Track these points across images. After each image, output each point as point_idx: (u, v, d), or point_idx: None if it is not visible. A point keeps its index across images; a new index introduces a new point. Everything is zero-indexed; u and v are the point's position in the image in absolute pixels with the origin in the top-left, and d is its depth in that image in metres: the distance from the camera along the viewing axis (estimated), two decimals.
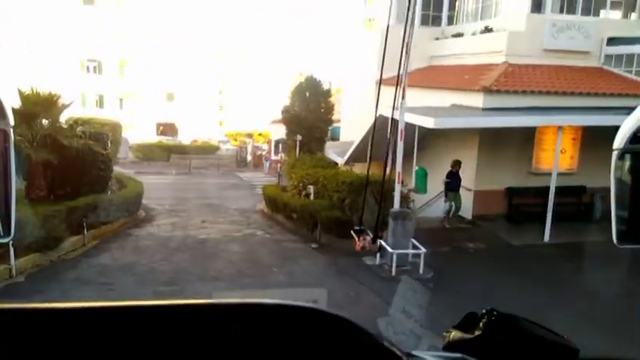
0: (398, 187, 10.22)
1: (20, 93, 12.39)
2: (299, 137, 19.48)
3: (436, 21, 18.77)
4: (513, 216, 12.95)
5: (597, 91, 12.99)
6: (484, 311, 1.02)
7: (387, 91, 10.11)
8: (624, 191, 1.19)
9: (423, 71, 16.27)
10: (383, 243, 10.05)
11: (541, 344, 0.98)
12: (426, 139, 13.27)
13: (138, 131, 35.15)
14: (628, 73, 14.49)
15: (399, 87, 9.34)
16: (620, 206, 1.19)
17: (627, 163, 1.16)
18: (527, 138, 13.14)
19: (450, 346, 1.01)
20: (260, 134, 38.09)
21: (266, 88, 44.76)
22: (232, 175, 29.09)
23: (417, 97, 12.46)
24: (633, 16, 16.65)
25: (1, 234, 1.07)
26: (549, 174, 11.80)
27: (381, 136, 10.94)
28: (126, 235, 12.84)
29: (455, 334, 1.03)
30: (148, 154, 32.38)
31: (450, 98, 13.83)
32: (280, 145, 26.91)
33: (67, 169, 12.28)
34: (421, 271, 9.57)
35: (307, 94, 20.80)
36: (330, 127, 22.48)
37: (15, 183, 1.09)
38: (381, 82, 9.86)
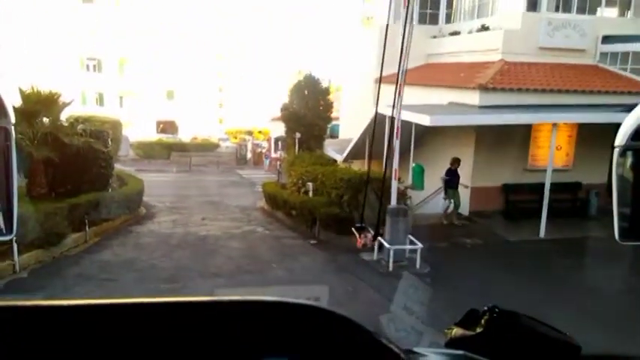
0: (395, 184, 10.35)
1: (21, 91, 12.48)
2: (298, 135, 19.58)
3: (433, 19, 18.90)
4: (510, 212, 13.10)
5: (592, 88, 13.13)
6: (486, 308, 1.02)
7: (385, 89, 10.25)
8: (626, 188, 1.17)
9: (420, 69, 16.39)
10: (382, 240, 10.17)
11: (543, 341, 0.99)
12: (423, 137, 13.41)
13: (138, 129, 35.24)
14: (623, 71, 14.63)
15: (392, 85, 9.45)
16: (621, 203, 1.18)
17: (629, 160, 1.14)
18: (523, 135, 13.29)
19: (452, 343, 1.02)
20: (260, 132, 38.19)
21: (266, 85, 44.84)
22: (232, 172, 29.18)
23: (414, 95, 12.59)
24: (629, 14, 16.77)
25: (4, 232, 1.07)
26: (545, 171, 11.94)
27: (379, 134, 11.09)
28: (127, 232, 12.95)
29: (457, 331, 1.03)
30: (149, 151, 32.47)
31: (448, 96, 13.98)
32: (280, 143, 27.02)
33: (68, 167, 12.38)
34: (418, 266, 9.72)
35: (306, 91, 20.91)
36: (329, 125, 22.59)
37: (16, 181, 1.09)
38: (381, 80, 9.99)
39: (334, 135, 23.80)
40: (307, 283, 9.29)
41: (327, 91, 21.94)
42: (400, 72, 9.70)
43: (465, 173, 12.96)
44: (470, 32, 16.34)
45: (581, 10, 15.62)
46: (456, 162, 12.78)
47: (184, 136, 39.88)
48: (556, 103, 12.69)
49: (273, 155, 29.33)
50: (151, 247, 11.63)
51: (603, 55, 14.83)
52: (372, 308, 7.71)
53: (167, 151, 33.22)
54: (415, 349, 0.95)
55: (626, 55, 14.97)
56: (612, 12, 17.28)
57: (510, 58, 13.92)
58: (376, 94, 17.48)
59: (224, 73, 48.68)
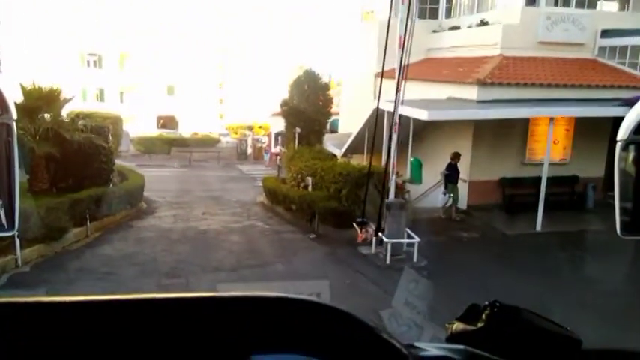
0: (393, 178, 10.44)
1: (22, 87, 12.58)
2: (298, 130, 19.62)
3: (433, 14, 18.93)
4: (507, 206, 13.17)
5: (590, 83, 13.18)
6: (487, 303, 1.01)
7: (386, 84, 10.29)
8: (628, 182, 1.17)
9: (420, 64, 16.44)
10: (381, 235, 10.20)
11: (544, 335, 0.99)
12: (422, 131, 13.48)
13: (139, 124, 35.30)
14: (621, 65, 14.67)
15: (392, 79, 9.51)
16: (623, 197, 1.17)
17: (631, 155, 1.14)
18: (520, 129, 13.37)
19: (453, 338, 1.02)
20: (260, 127, 38.19)
21: (266, 81, 44.83)
22: (232, 167, 29.28)
23: (414, 89, 12.64)
24: (629, 8, 16.78)
25: (6, 227, 1.08)
26: (542, 164, 12.03)
27: (378, 129, 11.15)
28: (128, 226, 13.06)
29: (457, 326, 1.03)
30: (149, 147, 32.51)
31: (447, 91, 14.03)
32: (280, 138, 27.07)
33: (70, 163, 12.50)
34: (415, 259, 9.83)
35: (306, 87, 20.95)
36: (329, 120, 22.63)
37: (18, 176, 1.10)
38: (382, 75, 10.03)
39: (334, 130, 23.84)
40: (306, 275, 9.40)
41: (326, 86, 21.99)
42: (398, 67, 9.79)
43: (462, 167, 13.05)
44: (469, 27, 16.38)
45: (580, 4, 15.65)
46: (456, 157, 12.84)
47: (185, 131, 39.92)
48: (554, 97, 12.74)
49: (273, 150, 29.42)
50: (152, 241, 11.74)
51: (602, 49, 14.86)
52: (370, 300, 7.85)
53: (168, 146, 33.29)
54: (416, 344, 0.95)
55: (624, 49, 15.01)
56: (612, 6, 17.29)
57: (509, 53, 13.96)
58: (375, 89, 17.61)
59: (224, 68, 48.66)
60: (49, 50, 36.21)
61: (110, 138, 15.09)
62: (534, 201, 11.90)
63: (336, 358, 0.83)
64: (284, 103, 21.22)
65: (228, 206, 16.37)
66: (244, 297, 0.85)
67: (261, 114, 37.88)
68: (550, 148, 12.18)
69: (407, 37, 8.47)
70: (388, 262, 9.80)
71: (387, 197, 10.50)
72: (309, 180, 14.04)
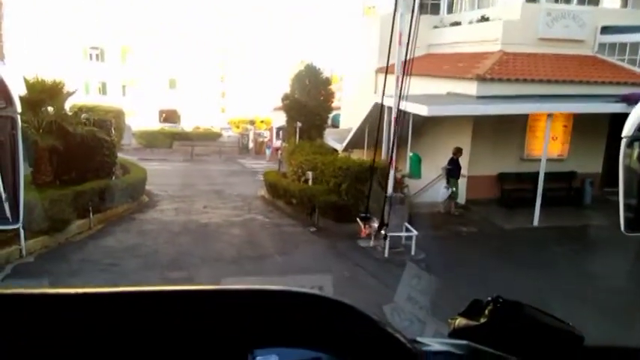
0: (392, 173, 10.55)
1: (26, 81, 12.67)
2: (299, 124, 19.73)
3: (435, 9, 18.98)
4: (505, 201, 13.29)
5: (589, 79, 13.26)
6: (489, 298, 1.01)
7: (387, 79, 10.34)
8: (632, 179, 1.15)
9: (421, 59, 16.45)
10: (385, 231, 10.24)
11: (546, 331, 0.99)
12: (422, 127, 13.57)
13: (140, 118, 35.38)
14: (621, 62, 14.73)
15: (402, 75, 9.45)
16: (628, 194, 1.15)
17: (636, 151, 1.12)
18: (519, 125, 13.46)
19: (456, 333, 1.02)
20: (262, 121, 38.26)
21: (268, 75, 44.85)
22: (234, 161, 29.37)
23: (414, 85, 12.67)
24: (629, 5, 16.80)
25: (10, 220, 1.09)
26: (540, 160, 12.13)
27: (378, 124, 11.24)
28: (130, 219, 13.16)
29: (460, 321, 1.03)
30: (151, 140, 32.59)
31: (447, 86, 14.12)
32: (281, 132, 27.15)
33: (72, 155, 12.58)
34: (413, 252, 9.97)
35: (307, 81, 21.06)
36: (330, 115, 22.73)
37: (23, 170, 1.10)
38: (387, 70, 10.08)
39: (336, 125, 23.95)
40: (306, 268, 9.53)
41: (328, 81, 22.07)
42: (397, 62, 9.88)
43: (462, 162, 13.15)
44: (470, 23, 16.44)
45: (581, 0, 15.70)
46: (458, 151, 12.91)
47: (187, 125, 39.99)
48: (554, 93, 12.83)
49: (275, 145, 29.50)
50: (154, 233, 11.87)
51: (602, 45, 14.93)
52: (368, 292, 8.00)
53: (169, 140, 33.36)
54: (419, 339, 0.96)
55: (623, 45, 15.05)
56: (614, 3, 17.28)
57: (509, 49, 14.04)
58: (375, 84, 17.70)
59: (226, 62, 48.68)
60: (51, 43, 36.26)
61: (112, 131, 15.18)
62: (532, 196, 12.01)
63: (340, 351, 0.83)
64: (285, 98, 21.30)
65: (229, 200, 16.47)
66: (247, 290, 0.85)
67: (263, 108, 37.92)
68: (548, 144, 12.29)
69: (411, 32, 8.52)
70: (387, 255, 9.93)
71: (386, 191, 10.61)
72: (310, 174, 14.15)
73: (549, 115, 11.94)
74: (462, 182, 13.23)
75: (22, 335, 0.76)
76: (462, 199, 13.42)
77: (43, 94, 12.55)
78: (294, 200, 13.89)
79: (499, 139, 13.35)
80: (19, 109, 1.07)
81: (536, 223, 11.81)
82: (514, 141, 13.66)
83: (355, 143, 17.05)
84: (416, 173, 12.43)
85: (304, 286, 0.88)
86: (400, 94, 9.49)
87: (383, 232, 10.05)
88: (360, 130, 16.03)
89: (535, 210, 11.79)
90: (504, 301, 1.00)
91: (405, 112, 11.10)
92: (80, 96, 20.19)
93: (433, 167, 13.17)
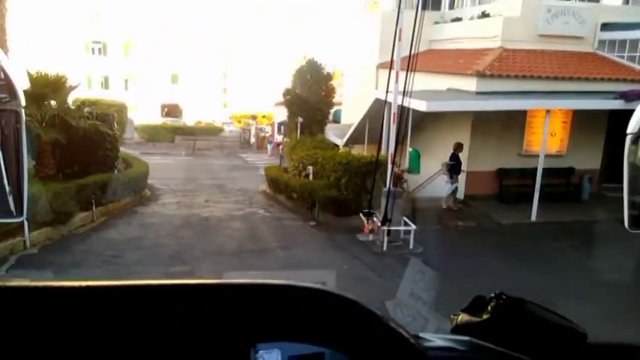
0: (390, 168, 10.65)
1: (29, 74, 12.77)
2: (300, 119, 19.81)
3: (436, 5, 19.02)
4: (504, 196, 13.38)
5: (588, 75, 13.31)
6: (492, 295, 1.01)
7: (387, 75, 10.41)
8: (637, 176, 1.13)
9: (422, 55, 16.49)
10: (388, 226, 10.23)
11: (549, 328, 0.98)
12: (421, 122, 13.67)
13: (143, 112, 35.48)
14: (620, 58, 14.78)
15: (406, 71, 9.47)
16: (632, 191, 1.13)
17: None
18: (518, 121, 13.53)
19: (458, 329, 1.01)
20: (264, 116, 38.34)
21: (270, 70, 44.90)
22: (236, 156, 29.48)
23: (416, 80, 12.75)
24: (630, 1, 16.84)
25: (14, 214, 1.08)
26: (539, 156, 12.22)
27: (379, 119, 11.34)
28: (132, 212, 13.29)
29: (463, 317, 1.03)
30: (153, 135, 32.72)
31: (447, 82, 14.18)
32: (283, 128, 27.24)
33: (75, 149, 12.70)
34: (411, 246, 10.09)
35: (309, 76, 21.11)
36: (332, 110, 22.80)
37: (26, 163, 1.08)
38: (391, 65, 10.15)
39: (337, 120, 24.03)
40: (305, 260, 9.67)
41: (329, 76, 22.12)
42: (397, 58, 9.97)
43: (461, 158, 13.24)
44: (471, 19, 16.49)
45: None
46: (459, 147, 12.98)
47: (189, 119, 40.10)
48: (553, 89, 12.89)
49: (277, 140, 29.60)
50: (156, 226, 12.01)
51: (602, 42, 14.97)
52: (366, 284, 8.15)
53: (171, 134, 33.49)
54: (421, 335, 0.96)
55: (623, 42, 15.10)
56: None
57: (510, 45, 14.10)
58: (377, 80, 17.77)
59: (228, 57, 48.71)
60: (53, 37, 36.33)
61: (115, 125, 15.27)
62: (531, 192, 12.09)
63: (343, 346, 0.83)
64: (287, 93, 21.36)
65: (230, 194, 16.59)
66: (251, 284, 0.85)
67: (265, 103, 38.00)
68: (547, 140, 12.38)
69: (416, 28, 8.60)
70: (385, 248, 10.05)
71: (384, 186, 10.72)
72: (310, 169, 14.27)
73: (548, 111, 12.02)
74: (461, 178, 13.33)
75: (26, 327, 0.77)
76: (460, 194, 13.52)
77: (46, 88, 12.66)
78: (295, 195, 14.01)
79: (498, 135, 13.44)
80: (23, 102, 1.06)
81: (534, 218, 11.92)
82: (513, 137, 13.73)
83: (356, 138, 17.15)
84: (415, 168, 12.52)
85: (307, 282, 0.88)
86: (403, 89, 9.56)
87: (386, 227, 10.16)
88: (361, 126, 16.13)
89: (533, 205, 11.88)
90: (507, 298, 1.00)
91: (405, 108, 11.20)
92: (82, 90, 20.37)
93: (432, 163, 13.26)
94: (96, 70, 40.08)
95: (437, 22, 18.01)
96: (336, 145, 17.88)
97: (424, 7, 18.08)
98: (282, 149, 21.28)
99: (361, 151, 15.85)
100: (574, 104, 12.60)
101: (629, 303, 7.09)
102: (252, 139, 34.88)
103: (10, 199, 1.06)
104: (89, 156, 13.04)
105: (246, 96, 45.54)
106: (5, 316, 0.77)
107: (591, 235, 10.61)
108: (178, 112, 42.87)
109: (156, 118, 37.91)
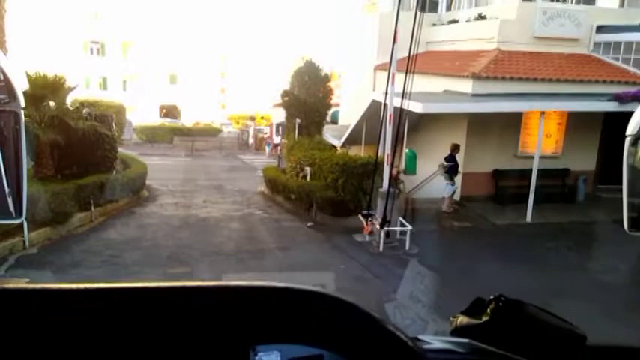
0: (387, 169, 10.75)
1: (28, 75, 12.84)
2: (298, 120, 19.87)
3: (433, 7, 19.14)
4: (499, 197, 13.47)
5: (583, 77, 13.43)
6: (492, 297, 1.01)
7: (384, 77, 10.52)
8: (636, 178, 1.13)
9: (419, 57, 16.55)
10: (387, 228, 10.32)
11: (548, 330, 0.98)
12: (417, 124, 13.76)
13: (141, 113, 35.55)
14: (615, 61, 14.90)
15: (405, 73, 9.54)
16: (631, 193, 1.12)
17: None
18: (514, 123, 13.62)
19: (457, 331, 1.01)
20: (262, 117, 38.45)
21: (268, 71, 44.99)
22: (234, 157, 29.55)
23: (414, 82, 12.89)
24: (625, 4, 16.96)
25: (14, 215, 1.09)
26: (534, 157, 12.33)
27: (375, 120, 11.44)
28: (131, 213, 13.33)
29: (462, 319, 1.03)
30: (152, 136, 32.77)
31: (444, 84, 14.28)
32: (281, 129, 27.32)
33: (74, 150, 12.77)
34: (407, 247, 10.19)
35: (306, 77, 21.15)
36: (330, 111, 22.85)
37: (26, 164, 1.09)
38: (390, 66, 10.23)
39: (335, 121, 24.11)
40: (303, 261, 9.75)
41: (327, 78, 22.17)
42: (393, 60, 10.06)
43: (457, 159, 13.33)
44: (467, 21, 16.60)
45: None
46: (456, 148, 13.01)
47: (187, 120, 40.16)
48: (549, 91, 13.00)
49: (275, 141, 29.68)
50: (154, 227, 12.06)
51: (597, 44, 15.07)
52: (361, 283, 8.24)
53: (170, 135, 33.56)
54: (420, 337, 0.96)
55: (618, 44, 15.22)
56: (610, 2, 17.40)
57: (505, 47, 14.20)
58: (374, 82, 17.85)
59: (226, 58, 48.80)
60: (51, 38, 36.35)
61: (113, 126, 15.35)
62: (526, 193, 12.17)
63: (342, 348, 0.83)
64: (285, 94, 21.41)
65: (229, 195, 16.64)
66: (250, 287, 0.85)
67: (263, 104, 38.10)
68: (542, 142, 12.49)
69: (415, 30, 8.69)
70: (381, 249, 10.15)
71: (382, 187, 10.82)
72: (308, 170, 14.34)
73: (542, 113, 12.13)
74: (457, 179, 13.43)
75: (24, 330, 0.76)
76: (456, 195, 13.62)
77: (45, 89, 12.70)
78: (293, 196, 14.07)
79: (493, 137, 13.53)
80: (22, 103, 1.07)
81: (529, 219, 12.02)
82: (509, 138, 13.83)
83: (353, 140, 17.24)
84: (411, 169, 12.62)
85: (305, 284, 0.88)
86: (402, 91, 9.64)
87: (385, 228, 10.22)
88: (358, 127, 16.22)
89: (528, 207, 11.99)
90: (506, 300, 1.00)
91: (401, 109, 11.31)
92: (81, 90, 20.40)
93: (428, 164, 13.35)
94: (94, 70, 40.13)
95: (434, 24, 18.12)
96: (334, 147, 17.95)
97: (422, 10, 18.32)
98: (280, 150, 21.34)
99: (358, 152, 15.94)
100: (569, 106, 12.72)
101: (623, 302, 7.19)
102: (251, 141, 34.97)
103: (10, 200, 1.07)
104: (88, 157, 13.11)
105: (245, 97, 45.64)
106: (3, 318, 0.76)
107: (586, 235, 10.75)
108: (177, 113, 42.94)
109: (154, 119, 37.96)
